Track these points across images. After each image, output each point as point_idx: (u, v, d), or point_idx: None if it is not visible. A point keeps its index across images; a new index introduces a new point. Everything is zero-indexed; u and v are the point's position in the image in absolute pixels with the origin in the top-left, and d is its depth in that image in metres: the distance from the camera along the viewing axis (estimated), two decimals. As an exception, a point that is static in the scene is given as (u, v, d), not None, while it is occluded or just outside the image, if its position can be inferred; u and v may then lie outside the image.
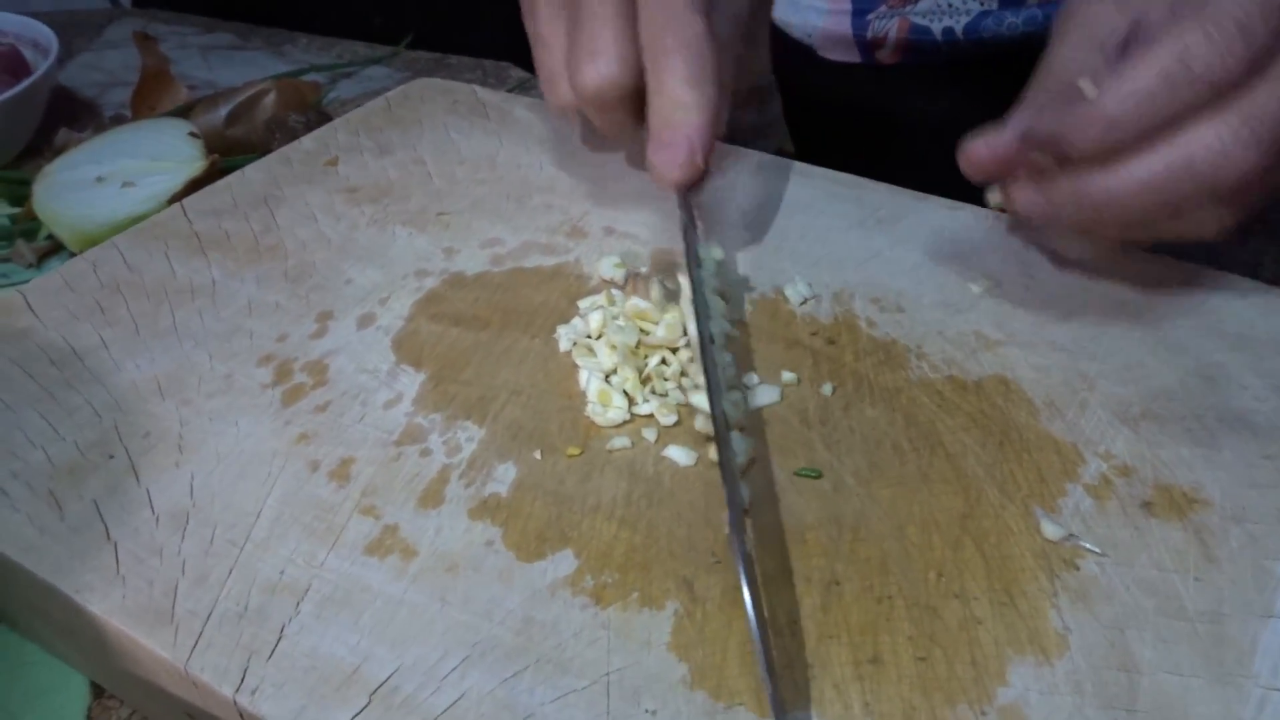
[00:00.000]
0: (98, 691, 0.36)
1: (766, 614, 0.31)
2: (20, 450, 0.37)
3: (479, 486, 0.36)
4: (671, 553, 0.33)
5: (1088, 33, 0.40)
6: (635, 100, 0.43)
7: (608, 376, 0.39)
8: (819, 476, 0.36)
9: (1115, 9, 0.39)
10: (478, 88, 0.61)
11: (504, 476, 0.36)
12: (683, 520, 0.34)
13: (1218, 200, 0.36)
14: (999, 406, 0.38)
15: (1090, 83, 0.37)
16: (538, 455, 0.37)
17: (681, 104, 0.41)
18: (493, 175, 0.53)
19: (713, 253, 0.46)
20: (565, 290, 0.45)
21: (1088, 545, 0.33)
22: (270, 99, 0.64)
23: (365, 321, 0.43)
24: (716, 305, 0.42)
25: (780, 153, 0.56)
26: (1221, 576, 0.32)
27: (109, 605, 0.32)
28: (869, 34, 0.68)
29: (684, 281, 0.41)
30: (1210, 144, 0.34)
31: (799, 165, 0.53)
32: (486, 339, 0.42)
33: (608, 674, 0.30)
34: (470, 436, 0.38)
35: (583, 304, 0.43)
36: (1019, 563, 0.33)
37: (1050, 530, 0.33)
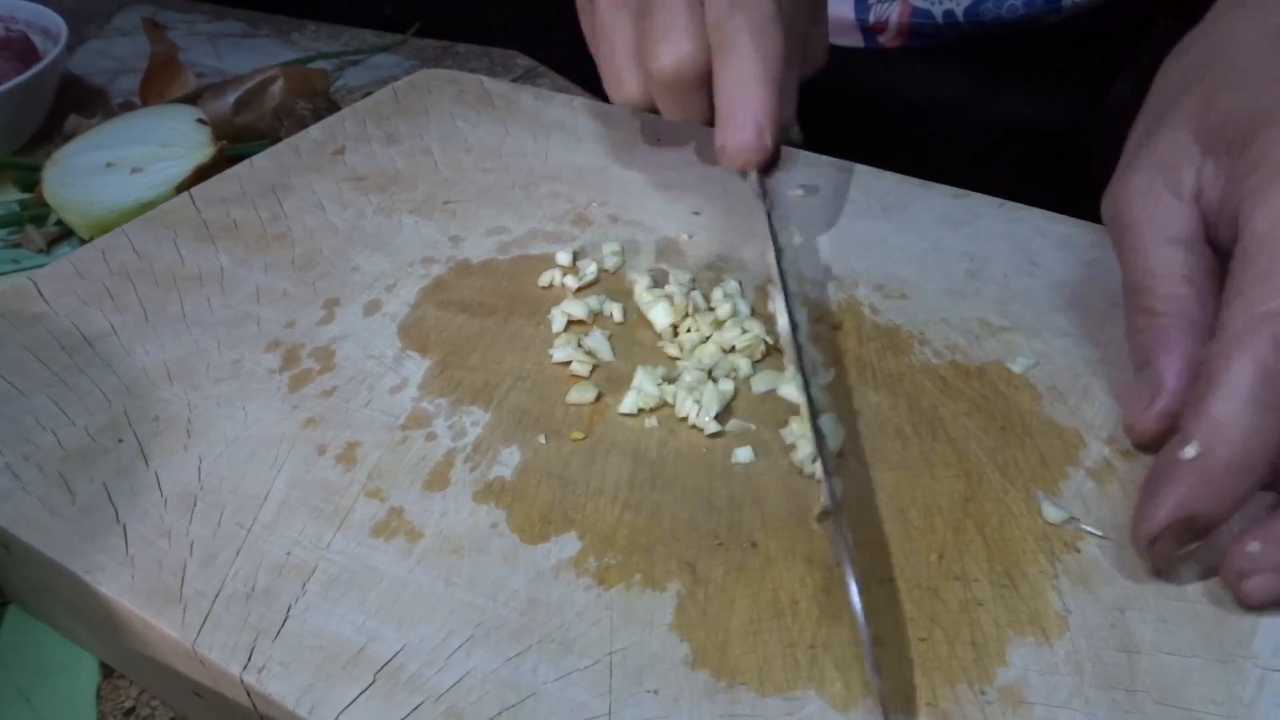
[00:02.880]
0: (107, 671, 0.36)
1: (857, 604, 0.29)
2: (31, 434, 0.37)
3: (484, 470, 0.36)
4: (674, 535, 0.33)
5: (1162, 231, 0.35)
6: (708, 85, 0.42)
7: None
8: (822, 460, 0.36)
9: (1173, 199, 0.35)
10: (484, 78, 0.62)
11: (509, 460, 0.36)
12: (686, 503, 0.34)
13: None
14: (1001, 392, 0.39)
15: (1192, 444, 0.30)
16: (542, 439, 0.37)
17: (750, 84, 0.40)
18: (499, 164, 0.54)
19: (793, 238, 0.44)
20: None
21: (1089, 528, 0.33)
22: (278, 86, 0.64)
23: (372, 308, 0.44)
24: (797, 292, 0.41)
25: (787, 141, 0.56)
26: (1222, 558, 0.32)
27: (118, 586, 0.32)
28: (871, 18, 0.68)
29: (772, 267, 0.40)
30: None
31: (803, 152, 0.53)
32: (492, 326, 0.43)
33: (610, 654, 0.30)
34: (475, 421, 0.38)
35: (558, 310, 0.43)
36: (1020, 545, 0.33)
37: (1051, 513, 0.34)
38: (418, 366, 0.40)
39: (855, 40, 0.70)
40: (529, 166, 0.53)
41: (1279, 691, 0.29)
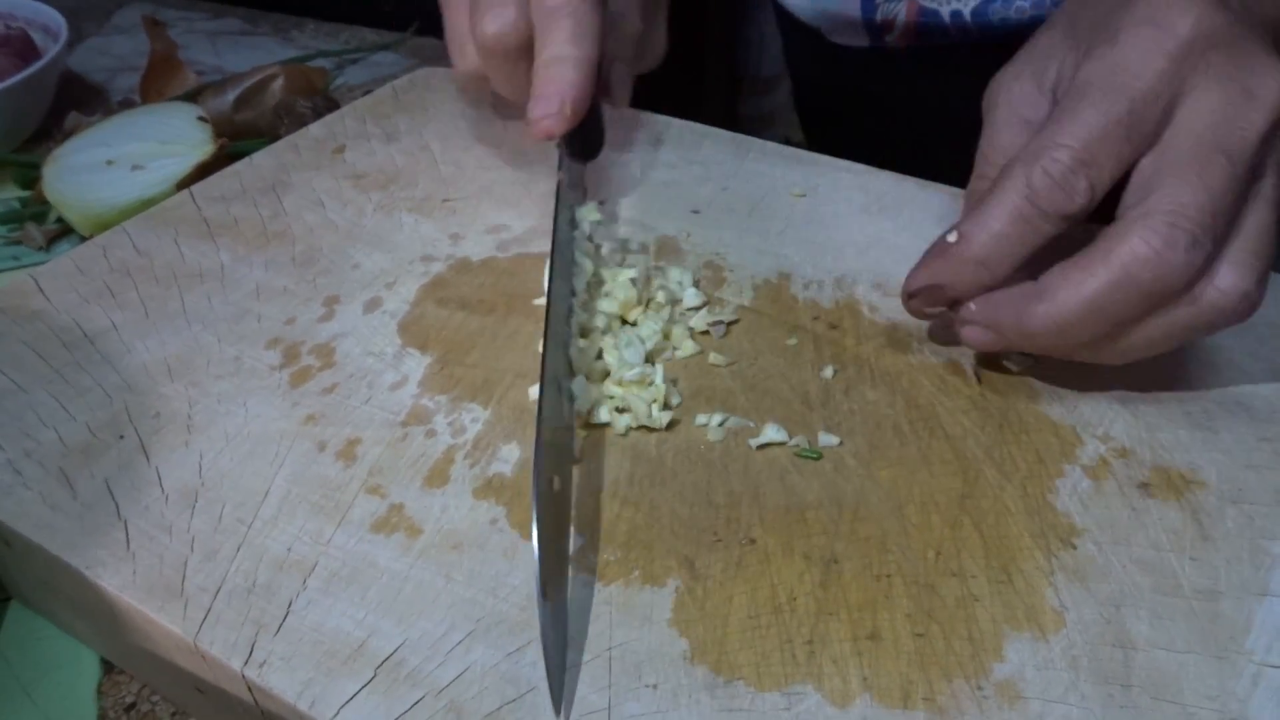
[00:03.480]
0: (108, 666, 0.36)
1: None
2: (32, 430, 0.38)
3: (484, 466, 0.36)
4: (673, 531, 0.34)
5: (1015, 111, 0.39)
6: (529, 62, 0.45)
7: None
8: (819, 458, 0.36)
9: (1033, 86, 0.39)
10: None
11: (508, 457, 0.36)
12: (684, 499, 0.35)
13: (1179, 303, 0.34)
14: (998, 390, 0.39)
15: (954, 233, 0.37)
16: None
17: (559, 59, 0.43)
18: (498, 162, 0.54)
19: (589, 214, 0.46)
20: (570, 274, 0.45)
21: (1085, 525, 0.34)
22: (278, 84, 0.64)
23: (372, 306, 0.44)
24: (584, 265, 0.43)
25: (788, 142, 0.56)
26: (1217, 556, 0.32)
27: (120, 581, 0.32)
28: (878, 17, 0.68)
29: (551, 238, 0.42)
30: (1139, 251, 0.33)
31: (803, 153, 0.53)
32: (492, 323, 0.43)
33: (610, 649, 0.30)
34: (475, 418, 0.38)
35: None
36: (1017, 542, 0.33)
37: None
38: (418, 364, 0.41)
39: (862, 40, 0.70)
40: (528, 164, 0.53)
41: (1273, 687, 0.29)
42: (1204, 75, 0.34)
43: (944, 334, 0.41)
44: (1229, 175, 0.33)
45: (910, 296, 0.39)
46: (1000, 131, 0.39)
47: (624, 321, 0.42)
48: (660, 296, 0.43)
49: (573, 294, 0.41)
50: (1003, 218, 0.35)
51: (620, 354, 0.39)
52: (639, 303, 0.42)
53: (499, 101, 0.57)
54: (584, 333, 0.41)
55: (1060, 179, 0.34)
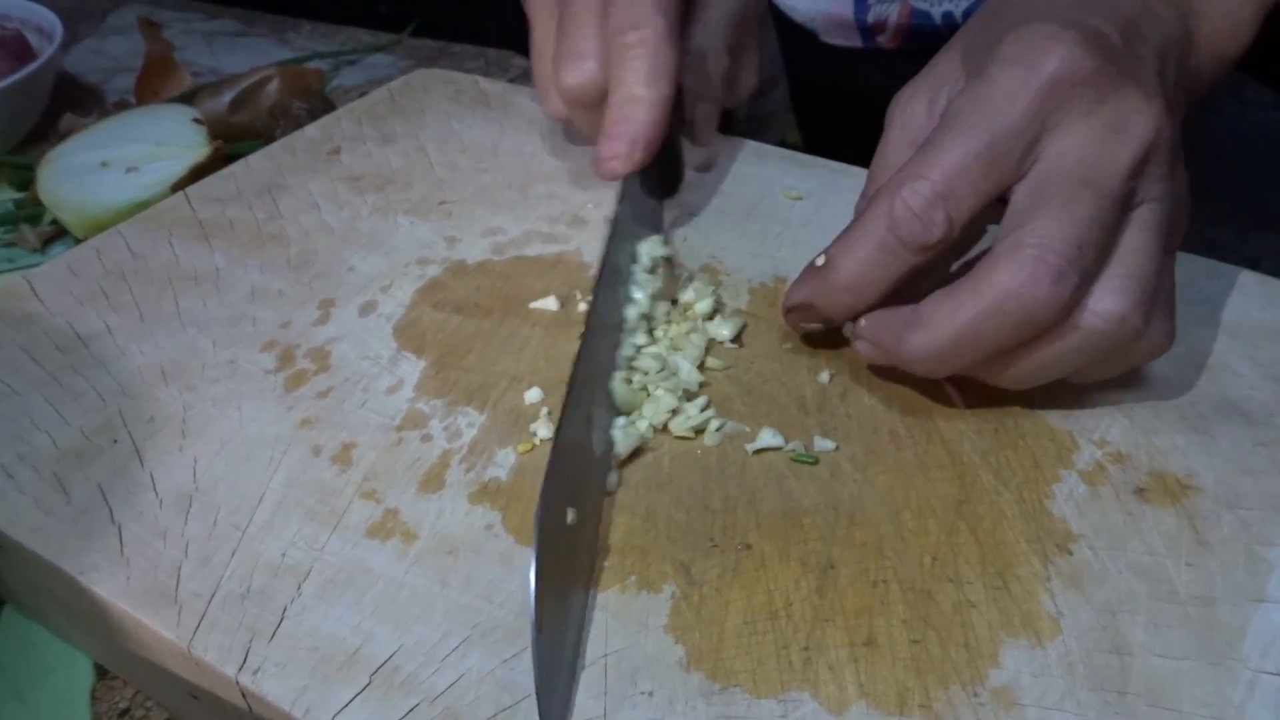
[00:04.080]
0: (102, 672, 0.36)
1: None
2: (26, 434, 0.37)
3: (479, 471, 0.36)
4: (669, 537, 0.33)
5: (905, 133, 0.40)
6: None
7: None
8: (815, 463, 0.36)
9: (925, 108, 0.39)
10: (480, 78, 0.62)
11: (504, 462, 0.36)
12: (681, 505, 0.35)
13: (1059, 331, 0.34)
14: (995, 394, 0.39)
15: (822, 257, 0.37)
16: (538, 441, 0.37)
17: (631, 100, 0.43)
18: (495, 164, 0.54)
19: (654, 248, 0.44)
20: (566, 279, 0.45)
21: (1081, 531, 0.33)
22: (274, 86, 0.64)
23: (367, 309, 0.44)
24: (639, 299, 0.41)
25: (784, 144, 0.56)
26: (1213, 561, 0.32)
27: (114, 586, 0.32)
28: (870, 18, 0.68)
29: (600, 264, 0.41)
30: (1006, 284, 0.33)
31: (799, 155, 0.53)
32: (488, 327, 0.43)
33: (605, 655, 0.30)
34: (471, 422, 0.38)
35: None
36: (1013, 548, 0.33)
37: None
38: (413, 367, 0.41)
39: (854, 40, 0.70)
40: (525, 167, 0.53)
41: (1269, 693, 0.29)
42: (1069, 112, 0.34)
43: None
44: (1095, 207, 0.33)
45: (788, 311, 0.40)
46: (890, 150, 0.40)
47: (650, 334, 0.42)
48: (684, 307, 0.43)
49: (621, 327, 0.40)
50: (866, 245, 0.36)
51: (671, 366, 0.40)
52: (668, 320, 0.42)
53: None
54: (629, 368, 0.39)
55: (919, 211, 0.34)
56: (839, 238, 0.37)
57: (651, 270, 0.43)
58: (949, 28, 0.65)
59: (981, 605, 0.31)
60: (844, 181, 0.51)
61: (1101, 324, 0.34)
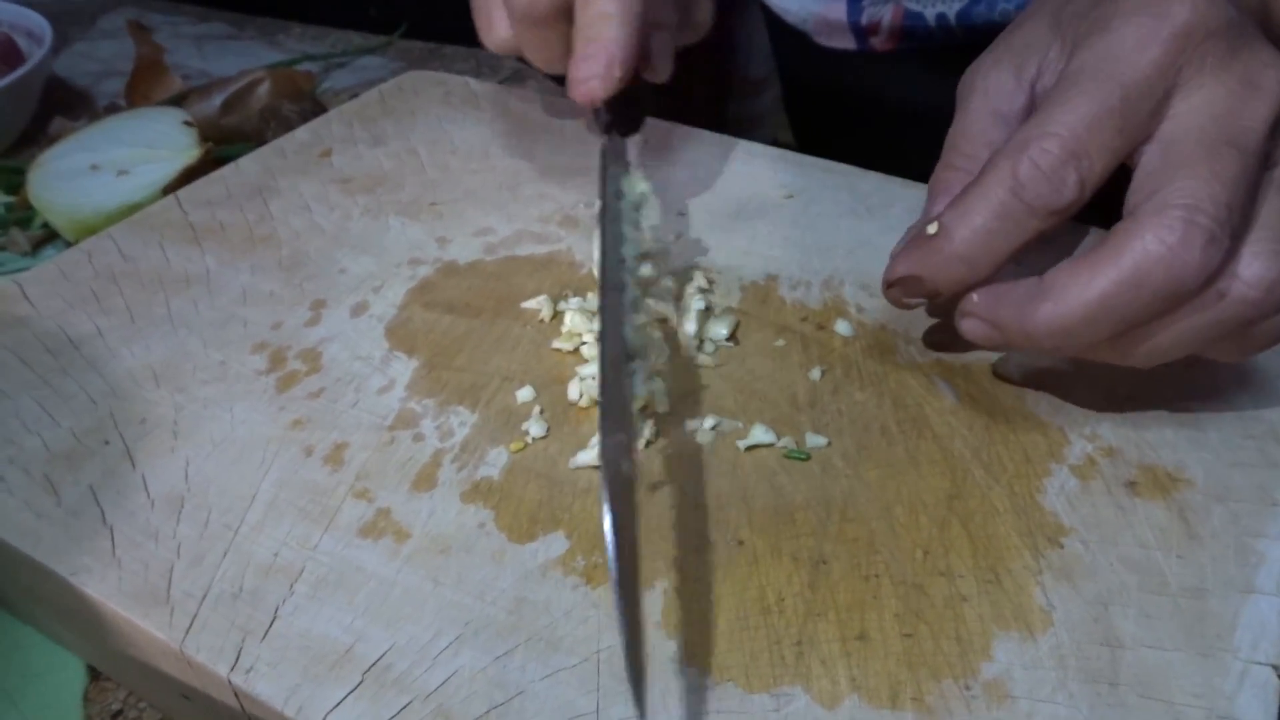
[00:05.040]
0: (94, 674, 0.36)
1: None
2: (16, 436, 0.37)
3: (471, 470, 0.36)
4: (661, 534, 0.33)
5: (989, 102, 0.38)
6: (566, 26, 0.43)
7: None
8: (807, 459, 0.36)
9: (1012, 76, 0.38)
10: (470, 79, 0.62)
11: (496, 460, 0.36)
12: (673, 502, 0.35)
13: (1202, 301, 0.32)
14: (985, 390, 0.39)
15: (934, 225, 0.35)
16: (530, 440, 0.37)
17: (603, 16, 0.41)
18: (485, 165, 0.54)
19: (637, 185, 0.43)
20: (558, 278, 0.45)
21: (1072, 524, 0.34)
22: (264, 88, 0.64)
23: (359, 310, 0.44)
24: (633, 237, 0.40)
25: (776, 143, 0.56)
26: (1204, 553, 0.32)
27: (105, 588, 0.32)
28: (864, 19, 0.68)
29: (596, 204, 0.40)
30: (1152, 249, 0.31)
31: (790, 154, 0.53)
32: (479, 326, 0.43)
33: (598, 651, 0.30)
34: (463, 421, 0.38)
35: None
36: (1004, 542, 0.33)
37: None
38: (405, 367, 0.40)
39: (848, 43, 0.70)
40: (515, 168, 0.53)
41: (1259, 684, 0.29)
42: (1201, 66, 0.32)
43: (932, 339, 0.41)
44: (1241, 167, 0.31)
45: (889, 285, 0.38)
46: (973, 120, 0.38)
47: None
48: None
49: (623, 263, 0.38)
50: (985, 211, 0.34)
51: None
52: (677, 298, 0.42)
53: (547, 104, 0.56)
54: (636, 309, 0.38)
55: (1049, 171, 0.33)
56: (953, 204, 0.35)
57: (638, 206, 0.42)
58: (942, 29, 0.65)
59: (973, 599, 0.31)
60: (835, 180, 0.51)
61: (1250, 291, 0.31)
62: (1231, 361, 0.36)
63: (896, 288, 0.38)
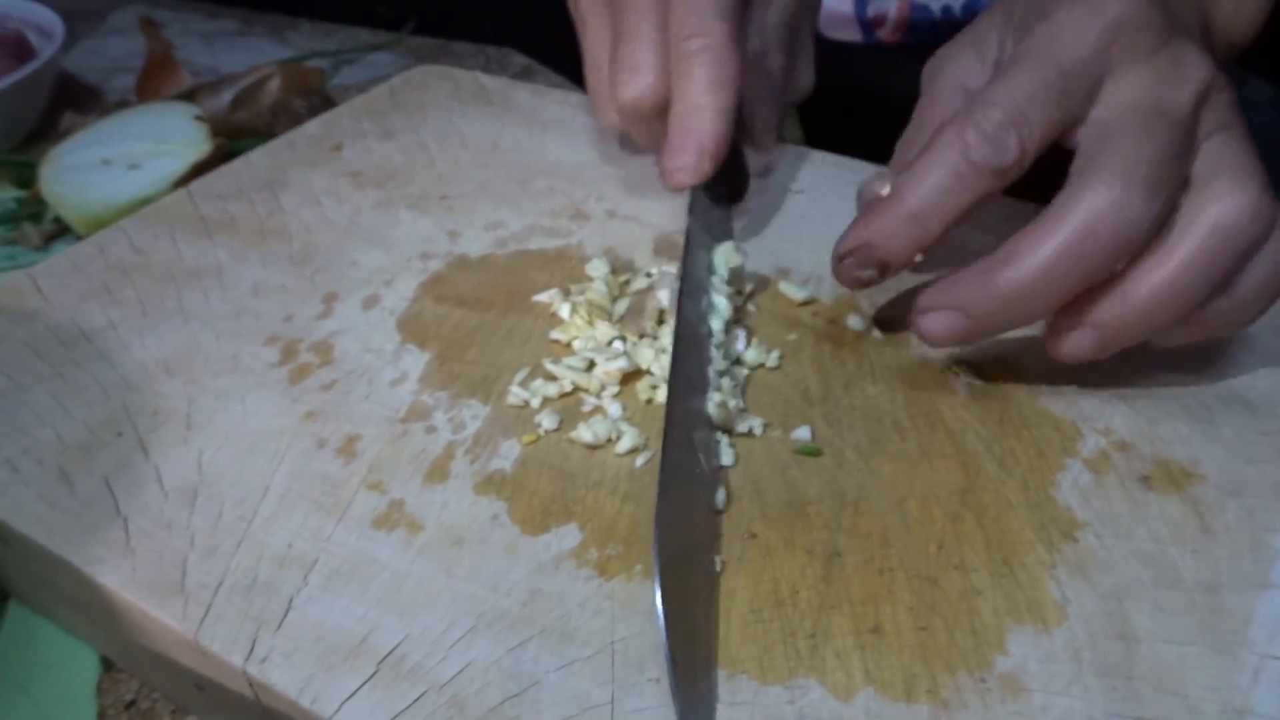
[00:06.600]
0: (107, 664, 0.36)
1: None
2: (30, 428, 0.37)
3: (484, 462, 0.36)
4: (675, 526, 0.33)
5: (954, 80, 0.40)
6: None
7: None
8: (819, 454, 0.36)
9: (975, 58, 0.40)
10: (480, 74, 0.62)
11: (509, 453, 0.36)
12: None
13: (1191, 234, 0.33)
14: (998, 384, 0.39)
15: (884, 181, 0.37)
16: (542, 431, 0.37)
17: (696, 110, 0.42)
18: (496, 159, 0.54)
19: (728, 258, 0.43)
20: (568, 272, 0.45)
21: (1086, 518, 0.34)
22: (274, 84, 0.64)
23: (370, 303, 0.44)
24: (721, 306, 0.41)
25: (783, 138, 0.56)
26: (1218, 548, 0.32)
27: (119, 578, 0.32)
28: (870, 12, 0.68)
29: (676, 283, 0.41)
30: (1097, 202, 0.32)
31: (800, 150, 0.53)
32: (491, 320, 0.43)
33: (612, 643, 0.30)
34: (475, 414, 0.38)
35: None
36: (1018, 535, 0.33)
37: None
38: (417, 360, 0.41)
39: (854, 35, 0.70)
40: (525, 162, 0.53)
41: (1275, 678, 0.29)
42: (1133, 54, 0.35)
43: (884, 315, 0.42)
44: (1170, 130, 0.33)
45: (840, 259, 0.38)
46: (940, 98, 0.40)
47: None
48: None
49: (710, 335, 0.40)
50: (936, 172, 0.35)
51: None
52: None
53: (557, 99, 0.58)
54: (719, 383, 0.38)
55: (992, 134, 0.35)
56: (905, 168, 0.36)
57: (730, 279, 0.42)
58: (948, 22, 0.65)
59: (987, 592, 0.31)
60: (844, 174, 0.51)
61: (1232, 216, 0.33)
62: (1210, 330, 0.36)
63: (848, 260, 0.38)
